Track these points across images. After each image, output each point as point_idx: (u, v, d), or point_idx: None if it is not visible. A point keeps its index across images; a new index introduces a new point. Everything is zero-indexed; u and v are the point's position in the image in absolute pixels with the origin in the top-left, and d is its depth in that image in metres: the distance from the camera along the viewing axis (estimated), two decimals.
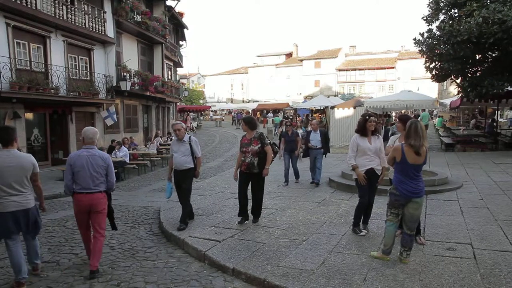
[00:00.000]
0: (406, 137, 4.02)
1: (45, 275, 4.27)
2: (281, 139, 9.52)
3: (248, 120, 5.82)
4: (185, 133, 5.92)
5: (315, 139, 8.88)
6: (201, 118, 47.51)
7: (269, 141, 5.72)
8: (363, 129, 5.02)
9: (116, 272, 4.34)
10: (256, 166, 5.54)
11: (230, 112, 50.07)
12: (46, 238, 5.71)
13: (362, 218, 5.19)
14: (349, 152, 5.12)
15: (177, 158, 5.82)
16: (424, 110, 23.94)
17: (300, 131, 14.65)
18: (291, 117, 31.84)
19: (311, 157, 8.95)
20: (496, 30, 11.18)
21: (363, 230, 5.13)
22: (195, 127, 36.73)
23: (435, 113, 34.49)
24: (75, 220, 4.55)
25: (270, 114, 37.03)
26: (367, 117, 5.02)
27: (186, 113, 42.19)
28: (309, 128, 14.42)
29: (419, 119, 21.08)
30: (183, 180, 5.85)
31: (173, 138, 6.11)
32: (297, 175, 9.36)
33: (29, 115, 13.60)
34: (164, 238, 5.59)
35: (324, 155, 9.04)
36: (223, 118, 46.73)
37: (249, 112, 46.38)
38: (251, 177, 5.68)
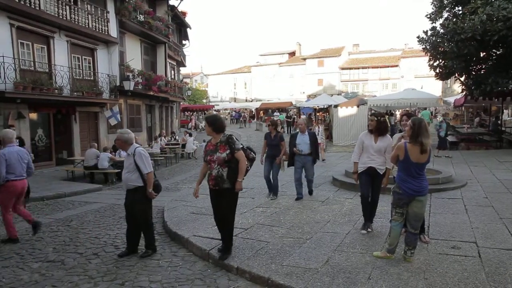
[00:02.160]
0: (415, 135, 3.93)
1: (50, 274, 4.30)
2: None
3: (212, 120, 4.50)
4: (131, 143, 4.84)
5: (303, 143, 7.10)
6: (201, 117, 47.25)
7: (241, 145, 4.48)
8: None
9: (121, 271, 4.36)
10: (226, 180, 4.31)
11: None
12: (50, 237, 5.75)
13: (368, 215, 5.20)
14: (355, 149, 5.25)
15: (123, 174, 4.90)
16: (425, 108, 23.84)
17: None
18: (294, 116, 31.70)
19: (298, 166, 7.22)
20: (501, 27, 11.12)
21: (366, 229, 5.14)
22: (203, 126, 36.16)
23: (432, 109, 33.98)
24: (3, 204, 5.45)
25: (277, 113, 36.83)
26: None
27: (190, 112, 42.04)
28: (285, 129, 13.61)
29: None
30: (131, 203, 4.82)
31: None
32: (275, 189, 7.50)
33: (33, 115, 13.68)
34: (168, 237, 5.61)
35: (313, 163, 7.33)
36: (227, 117, 46.68)
37: (252, 111, 46.20)
38: (221, 195, 4.41)
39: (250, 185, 8.56)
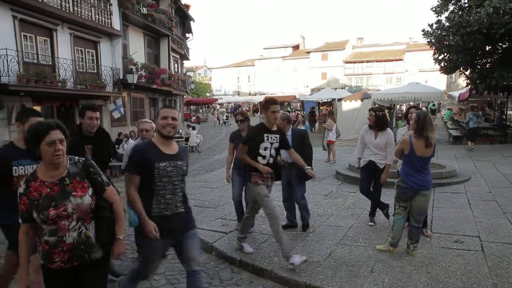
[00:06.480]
0: (420, 129, 3.89)
1: None
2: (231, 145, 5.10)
3: (31, 133, 2.38)
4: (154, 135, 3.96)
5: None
6: (201, 111, 46.98)
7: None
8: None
9: (125, 263, 4.39)
10: (94, 245, 2.33)
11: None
12: None
13: (375, 208, 5.25)
14: (357, 144, 5.32)
15: None
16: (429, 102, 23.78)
17: (303, 128, 11.24)
18: (298, 110, 31.53)
19: (283, 181, 5.10)
20: (507, 20, 10.99)
21: (369, 223, 5.19)
22: (225, 120, 34.36)
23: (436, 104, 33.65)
24: None
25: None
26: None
27: (218, 106, 41.44)
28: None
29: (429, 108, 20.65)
30: None
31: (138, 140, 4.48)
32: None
33: (37, 108, 13.69)
34: None
35: (302, 177, 4.87)
36: (228, 110, 46.56)
37: (256, 105, 45.87)
38: (83, 273, 2.34)
39: None
